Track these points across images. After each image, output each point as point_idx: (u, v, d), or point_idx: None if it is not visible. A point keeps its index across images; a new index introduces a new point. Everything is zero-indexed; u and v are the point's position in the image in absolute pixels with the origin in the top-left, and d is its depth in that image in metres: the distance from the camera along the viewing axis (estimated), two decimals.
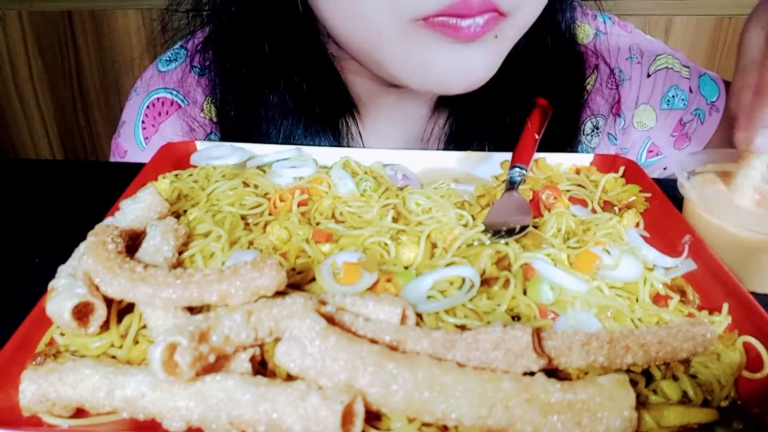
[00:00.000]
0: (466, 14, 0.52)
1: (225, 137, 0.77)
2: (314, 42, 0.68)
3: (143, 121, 0.80)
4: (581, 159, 0.67)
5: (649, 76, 0.83)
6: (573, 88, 0.79)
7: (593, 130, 0.83)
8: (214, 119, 0.79)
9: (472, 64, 0.57)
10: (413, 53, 0.56)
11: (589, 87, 0.81)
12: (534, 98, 0.70)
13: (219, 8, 0.71)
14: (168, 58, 0.82)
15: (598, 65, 0.81)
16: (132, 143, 0.80)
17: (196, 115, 0.79)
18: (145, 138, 0.80)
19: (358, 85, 0.74)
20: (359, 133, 0.76)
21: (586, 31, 0.82)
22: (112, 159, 0.84)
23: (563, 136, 0.78)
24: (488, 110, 0.73)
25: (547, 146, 0.66)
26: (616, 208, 0.58)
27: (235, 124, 0.75)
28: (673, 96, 0.83)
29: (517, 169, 0.60)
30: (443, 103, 0.77)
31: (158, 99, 0.80)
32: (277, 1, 0.64)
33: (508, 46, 0.60)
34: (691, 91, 0.84)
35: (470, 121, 0.76)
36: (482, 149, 0.75)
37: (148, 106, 0.80)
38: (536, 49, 0.72)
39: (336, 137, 0.74)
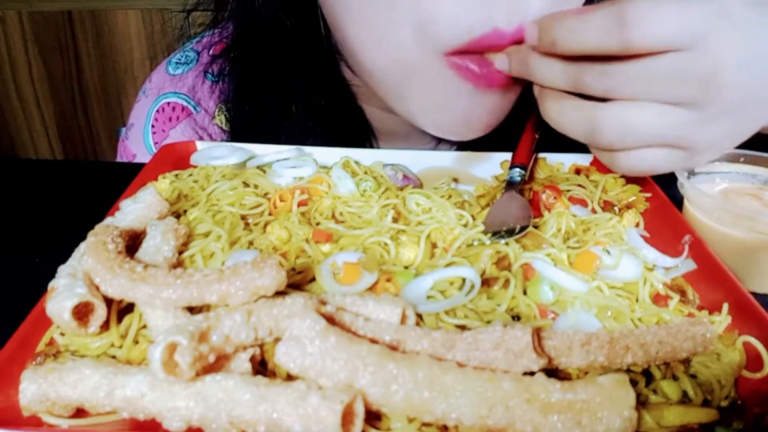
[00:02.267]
0: (498, 46, 0.52)
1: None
2: (331, 64, 0.68)
3: (153, 126, 0.79)
4: (581, 159, 0.67)
5: None
6: None
7: None
8: (225, 128, 0.78)
9: (489, 112, 0.58)
10: (433, 96, 0.57)
11: None
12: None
13: (240, 19, 0.70)
14: (178, 61, 0.81)
15: None
16: (141, 147, 0.80)
17: (206, 123, 0.78)
18: (155, 143, 0.79)
19: (370, 111, 0.74)
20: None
21: None
22: (119, 161, 0.84)
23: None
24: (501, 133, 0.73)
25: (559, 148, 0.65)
26: (616, 208, 0.58)
27: (247, 133, 0.75)
28: None
29: (517, 169, 0.60)
30: None
31: (168, 104, 0.79)
32: (296, 18, 0.64)
33: (522, 84, 0.59)
34: None
35: (481, 142, 0.76)
36: None
37: (158, 110, 0.79)
38: None
39: None
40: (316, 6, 0.63)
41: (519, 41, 0.51)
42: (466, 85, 0.55)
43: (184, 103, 0.79)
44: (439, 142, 0.79)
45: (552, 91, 0.50)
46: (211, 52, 0.78)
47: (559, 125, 0.50)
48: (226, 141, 0.78)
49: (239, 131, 0.76)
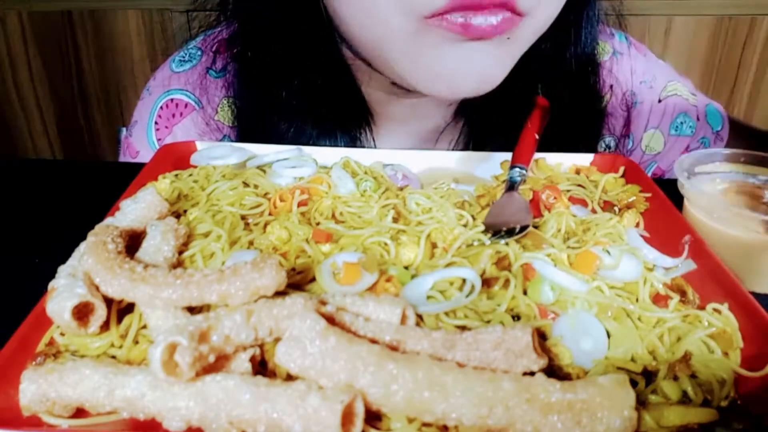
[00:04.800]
0: (477, 6, 0.51)
1: (242, 139, 0.76)
2: (332, 45, 0.68)
3: (156, 122, 0.79)
4: (581, 159, 0.67)
5: (660, 101, 0.84)
6: (593, 104, 0.80)
7: (605, 150, 0.83)
8: (228, 123, 0.78)
9: (480, 63, 0.56)
10: (422, 52, 0.56)
11: (604, 106, 0.82)
12: (535, 97, 0.69)
13: (243, 9, 0.70)
14: (182, 58, 0.81)
15: (613, 85, 0.81)
16: (144, 144, 0.80)
17: (209, 119, 0.78)
18: (158, 139, 0.79)
19: (371, 94, 0.74)
20: (373, 140, 0.76)
21: (604, 48, 0.82)
22: (122, 159, 0.84)
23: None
24: (503, 119, 0.72)
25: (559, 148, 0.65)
26: (616, 208, 0.58)
27: (253, 126, 0.75)
28: (681, 123, 0.85)
29: (517, 169, 0.60)
30: (458, 112, 0.77)
31: (172, 100, 0.79)
32: (301, 3, 0.64)
33: (521, 48, 0.59)
34: (698, 119, 0.85)
35: (485, 129, 0.76)
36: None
37: (161, 107, 0.79)
38: (559, 62, 0.72)
39: (353, 143, 0.74)
40: None
41: (501, 4, 0.51)
42: (453, 37, 0.54)
43: (188, 100, 0.79)
44: (439, 136, 0.78)
45: None
46: (214, 48, 0.78)
47: None
48: (232, 134, 0.78)
49: (245, 121, 0.76)
